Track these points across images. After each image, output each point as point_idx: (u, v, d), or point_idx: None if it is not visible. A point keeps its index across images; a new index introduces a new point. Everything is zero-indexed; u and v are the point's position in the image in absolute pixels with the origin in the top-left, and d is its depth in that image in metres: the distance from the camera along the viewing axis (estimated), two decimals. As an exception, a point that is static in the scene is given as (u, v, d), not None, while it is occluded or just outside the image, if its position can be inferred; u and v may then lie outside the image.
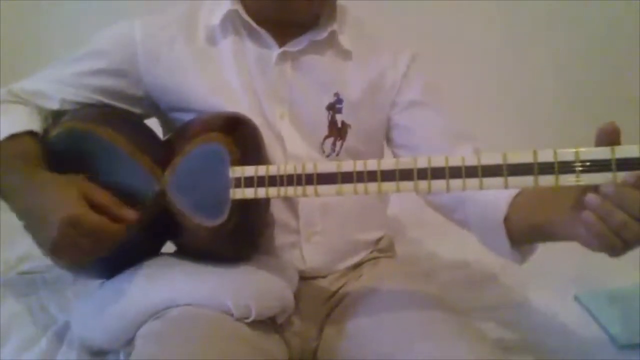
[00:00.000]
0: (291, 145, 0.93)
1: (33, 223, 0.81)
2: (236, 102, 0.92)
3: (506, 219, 0.82)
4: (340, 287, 0.98)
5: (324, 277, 0.99)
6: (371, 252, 1.05)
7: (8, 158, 0.86)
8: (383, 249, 1.08)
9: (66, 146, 0.88)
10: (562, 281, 1.20)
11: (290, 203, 0.94)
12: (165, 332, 0.78)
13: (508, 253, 0.84)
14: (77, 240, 0.77)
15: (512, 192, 0.82)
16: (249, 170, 0.80)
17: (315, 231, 0.96)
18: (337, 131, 0.95)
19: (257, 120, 0.90)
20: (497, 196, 0.83)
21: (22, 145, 0.88)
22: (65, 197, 0.79)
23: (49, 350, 0.95)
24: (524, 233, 0.81)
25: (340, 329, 0.90)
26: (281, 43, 0.93)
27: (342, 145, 0.95)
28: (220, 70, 0.94)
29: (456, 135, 0.94)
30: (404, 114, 0.98)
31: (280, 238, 0.95)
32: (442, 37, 1.87)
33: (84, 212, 0.77)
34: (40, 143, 0.89)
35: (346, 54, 0.96)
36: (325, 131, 0.95)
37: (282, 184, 0.77)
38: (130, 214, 0.82)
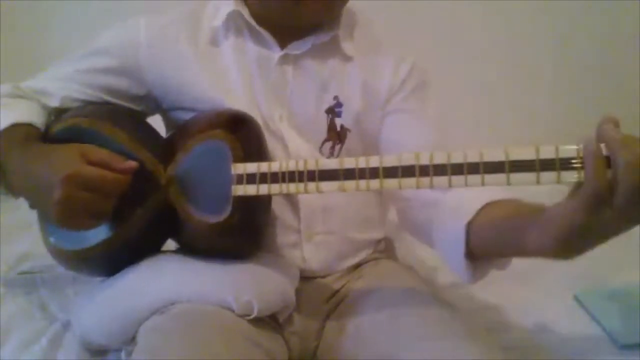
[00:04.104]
0: (292, 146, 0.93)
1: (36, 195, 0.83)
2: (235, 102, 0.92)
3: (471, 224, 0.77)
4: (341, 287, 0.98)
5: (323, 277, 0.99)
6: (372, 252, 1.05)
7: (10, 140, 0.87)
8: (383, 250, 1.08)
9: (68, 142, 0.88)
10: (562, 281, 1.20)
11: (291, 202, 0.94)
12: (168, 327, 0.78)
13: (460, 264, 0.78)
14: (81, 197, 0.78)
15: (487, 198, 0.78)
16: (251, 167, 0.80)
17: (316, 232, 0.96)
18: (336, 135, 0.95)
19: None
20: (470, 201, 0.78)
21: (23, 132, 0.89)
22: (63, 158, 0.80)
23: (49, 349, 0.94)
24: (486, 241, 0.76)
25: (341, 328, 0.90)
26: (283, 45, 0.94)
27: (340, 149, 0.95)
28: (221, 70, 0.94)
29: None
30: (392, 126, 0.98)
31: (282, 237, 0.95)
32: (442, 35, 1.88)
33: (82, 167, 0.79)
34: (42, 138, 0.91)
35: (348, 58, 0.96)
36: (324, 135, 0.95)
37: (283, 181, 0.77)
38: (129, 163, 0.83)
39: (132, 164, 0.84)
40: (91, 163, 0.80)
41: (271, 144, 0.92)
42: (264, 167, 0.79)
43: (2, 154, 0.87)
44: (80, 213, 0.80)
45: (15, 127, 0.89)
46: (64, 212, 0.78)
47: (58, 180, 0.77)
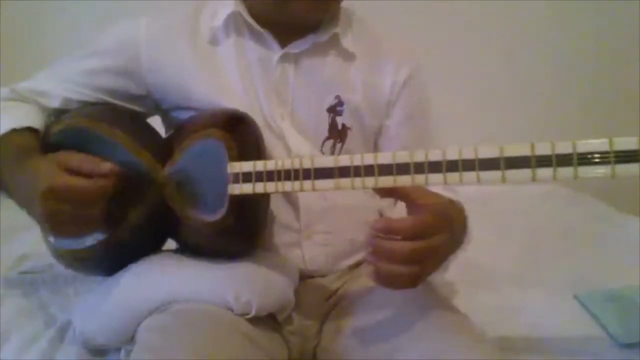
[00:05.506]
0: (293, 145, 0.93)
1: (27, 208, 0.82)
2: (236, 103, 0.92)
3: None
4: (340, 287, 0.98)
5: (323, 276, 0.99)
6: (372, 252, 1.05)
7: (7, 151, 0.87)
8: (383, 250, 1.07)
9: (67, 143, 0.88)
10: (562, 281, 1.20)
11: (291, 202, 0.94)
12: (168, 325, 0.79)
13: None
14: (62, 209, 0.77)
15: None
16: (247, 166, 0.80)
17: (316, 231, 0.96)
18: (337, 133, 0.95)
19: (257, 121, 0.90)
20: None
21: (21, 139, 0.89)
22: (43, 172, 0.79)
23: (49, 349, 0.94)
24: None
25: (340, 327, 0.90)
26: (283, 44, 0.94)
27: (341, 147, 0.95)
28: (221, 71, 0.95)
29: None
30: (389, 131, 0.99)
31: (281, 237, 0.95)
32: (442, 35, 1.88)
33: (56, 180, 0.77)
34: (42, 140, 0.90)
35: (349, 57, 0.96)
36: (325, 133, 0.95)
37: (279, 179, 0.77)
38: (105, 165, 0.80)
39: (110, 166, 0.80)
40: (70, 171, 0.79)
41: (272, 143, 0.92)
42: (259, 165, 0.79)
43: (0, 162, 0.86)
44: (67, 223, 0.79)
45: (13, 133, 0.89)
46: (50, 225, 0.78)
47: (37, 197, 0.76)
